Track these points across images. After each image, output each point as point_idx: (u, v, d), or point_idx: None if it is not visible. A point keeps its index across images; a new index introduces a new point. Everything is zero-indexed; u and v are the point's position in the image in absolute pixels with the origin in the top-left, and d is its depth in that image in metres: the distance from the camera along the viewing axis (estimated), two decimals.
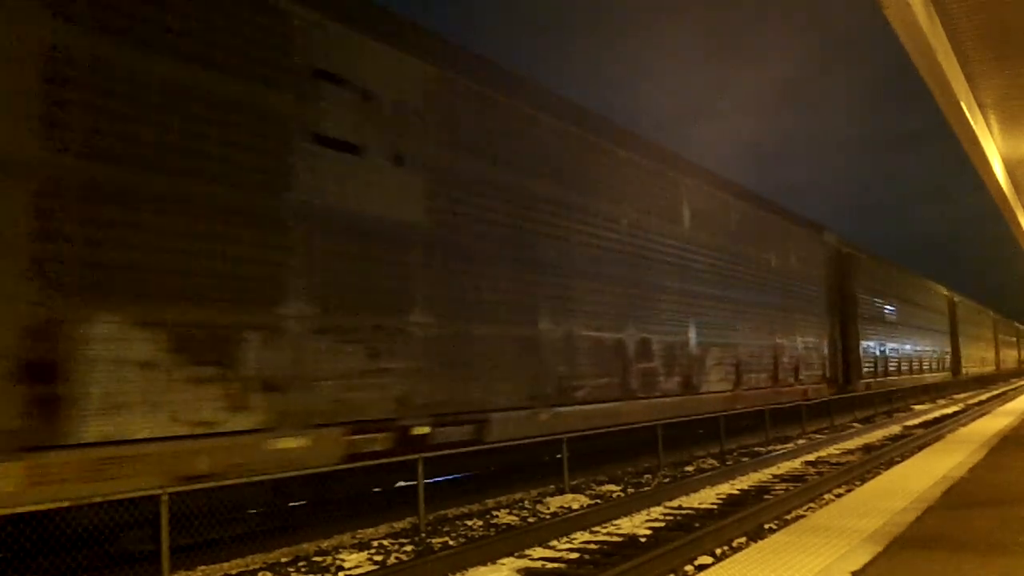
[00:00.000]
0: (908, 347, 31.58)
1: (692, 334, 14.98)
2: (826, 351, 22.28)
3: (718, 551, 7.57)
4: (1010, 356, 73.07)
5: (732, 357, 16.56)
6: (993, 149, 15.46)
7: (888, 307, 29.35)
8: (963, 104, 11.86)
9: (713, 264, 16.17)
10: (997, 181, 16.78)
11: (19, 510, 5.59)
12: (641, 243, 13.64)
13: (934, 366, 36.67)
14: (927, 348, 35.66)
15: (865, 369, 25.12)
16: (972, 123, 12.74)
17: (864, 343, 25.21)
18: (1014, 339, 79.52)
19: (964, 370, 43.51)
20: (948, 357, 40.39)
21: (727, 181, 17.98)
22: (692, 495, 11.06)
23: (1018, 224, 23.60)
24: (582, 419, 11.37)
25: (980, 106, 13.40)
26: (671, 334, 14.26)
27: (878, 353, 27.14)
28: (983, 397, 37.84)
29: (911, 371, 31.76)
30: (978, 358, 50.30)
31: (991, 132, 14.82)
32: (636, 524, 9.18)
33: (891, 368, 28.55)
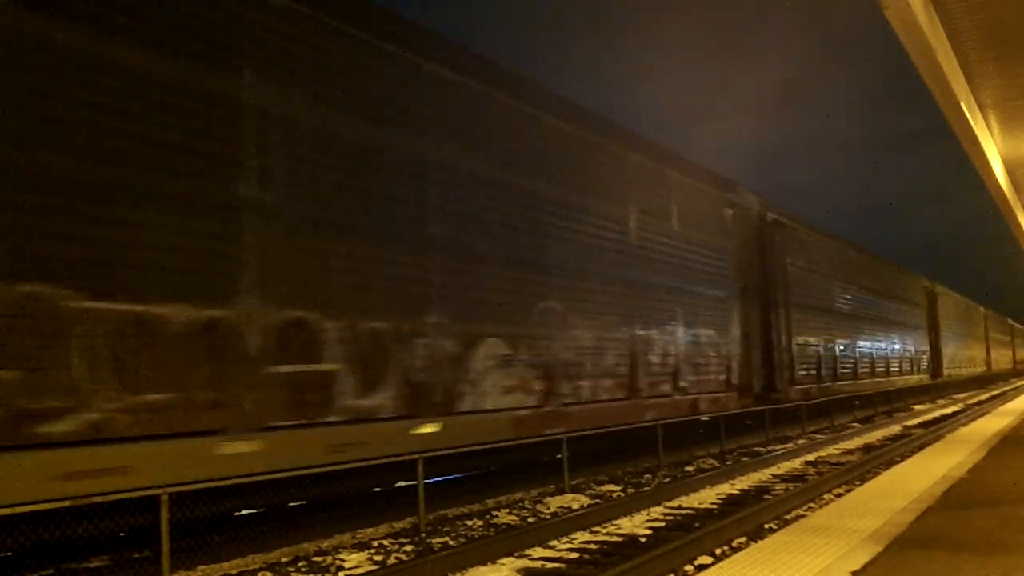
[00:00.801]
0: (869, 345, 26.68)
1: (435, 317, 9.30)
2: (735, 348, 16.26)
3: (718, 551, 7.57)
4: (1003, 356, 67.16)
5: (535, 357, 10.76)
6: (993, 149, 15.47)
7: (842, 295, 24.53)
8: (963, 104, 11.87)
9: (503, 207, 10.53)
10: (997, 181, 16.80)
11: (18, 510, 5.59)
12: None
13: (907, 367, 31.66)
14: (897, 346, 30.35)
15: (802, 372, 19.74)
16: (972, 123, 12.76)
17: (801, 339, 19.93)
18: (1008, 338, 72.97)
19: (947, 372, 38.18)
20: (926, 357, 35.26)
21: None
22: (692, 495, 11.06)
23: (1018, 224, 23.62)
24: None
25: (980, 106, 13.42)
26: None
27: (824, 351, 21.80)
28: (983, 397, 37.79)
29: (873, 374, 26.75)
30: (965, 358, 45.00)
31: (991, 132, 14.84)
32: (636, 524, 9.19)
33: (844, 370, 23.48)
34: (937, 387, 37.23)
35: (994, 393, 41.11)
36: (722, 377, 15.74)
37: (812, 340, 20.92)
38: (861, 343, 25.71)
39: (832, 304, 23.38)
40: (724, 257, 16.31)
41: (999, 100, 13.18)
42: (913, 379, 32.52)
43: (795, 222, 20.53)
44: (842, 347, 23.60)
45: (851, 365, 24.24)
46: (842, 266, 24.70)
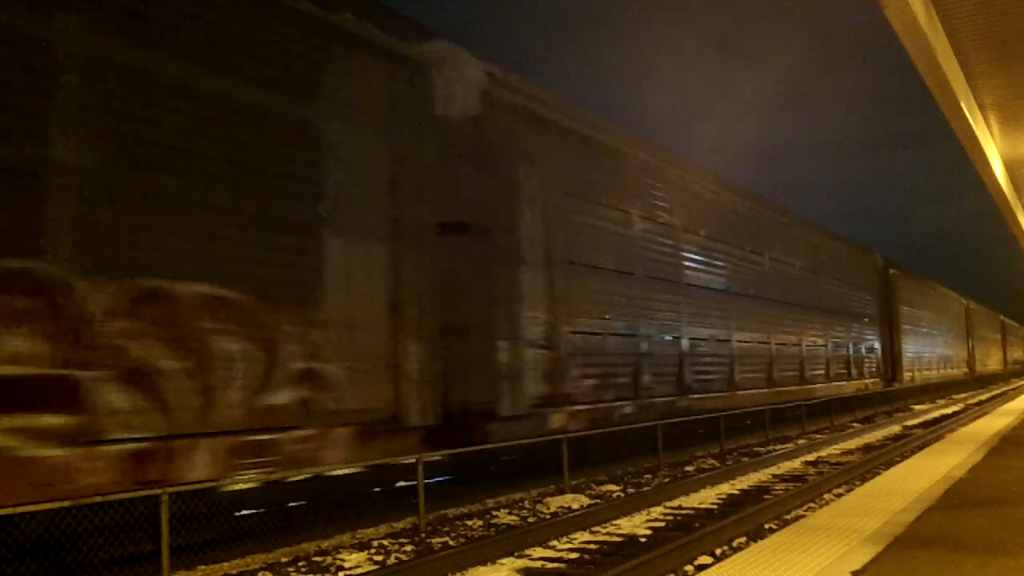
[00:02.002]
0: (754, 337, 17.74)
1: None
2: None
3: (718, 551, 7.57)
4: (991, 356, 58.83)
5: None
6: (993, 149, 15.48)
7: (703, 261, 16.00)
8: (963, 104, 11.87)
9: None
10: (997, 181, 16.80)
11: (19, 510, 5.59)
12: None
13: (845, 372, 23.94)
14: (820, 343, 22.21)
15: (655, 376, 13.73)
16: (972, 123, 12.76)
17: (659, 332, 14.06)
18: (998, 335, 64.13)
19: (909, 375, 31.07)
20: (875, 356, 27.62)
21: None
22: (692, 495, 11.06)
23: (1018, 224, 23.62)
24: None
25: (980, 106, 13.42)
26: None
27: (671, 346, 14.59)
28: (983, 397, 37.76)
29: (770, 381, 18.46)
30: (939, 359, 38.29)
31: (991, 132, 14.84)
32: (636, 524, 9.18)
33: (702, 377, 15.37)
34: (891, 396, 28.81)
35: (994, 393, 41.02)
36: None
37: (670, 334, 14.63)
38: (757, 338, 18.21)
39: (709, 281, 16.41)
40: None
41: (999, 100, 13.19)
42: (854, 385, 24.85)
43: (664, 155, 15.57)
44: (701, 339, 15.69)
45: (721, 367, 16.43)
46: (735, 224, 17.86)
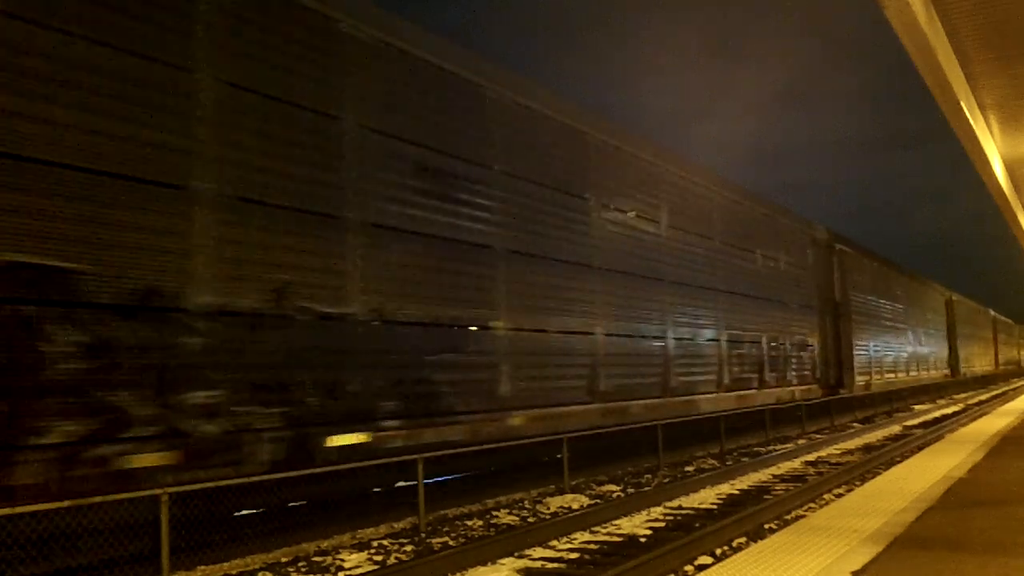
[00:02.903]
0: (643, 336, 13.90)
1: None
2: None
3: (718, 551, 7.57)
4: (982, 357, 51.56)
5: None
6: (993, 149, 15.48)
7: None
8: (963, 104, 11.88)
9: None
10: (997, 181, 16.81)
11: (19, 510, 5.59)
12: None
13: (755, 378, 17.89)
14: (709, 338, 16.17)
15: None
16: (972, 123, 12.77)
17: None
18: (989, 333, 56.67)
19: (864, 379, 24.67)
20: (814, 357, 21.51)
21: None
22: (692, 495, 11.06)
23: (1018, 224, 23.63)
24: None
25: (980, 106, 13.43)
26: None
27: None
28: (983, 397, 37.73)
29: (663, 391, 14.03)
30: (909, 359, 31.33)
31: (991, 132, 14.85)
32: (636, 524, 9.18)
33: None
34: (832, 407, 22.62)
35: (994, 393, 40.96)
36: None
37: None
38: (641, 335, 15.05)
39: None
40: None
41: (999, 100, 13.19)
42: (763, 395, 19.07)
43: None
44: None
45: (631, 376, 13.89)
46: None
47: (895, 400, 28.82)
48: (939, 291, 40.61)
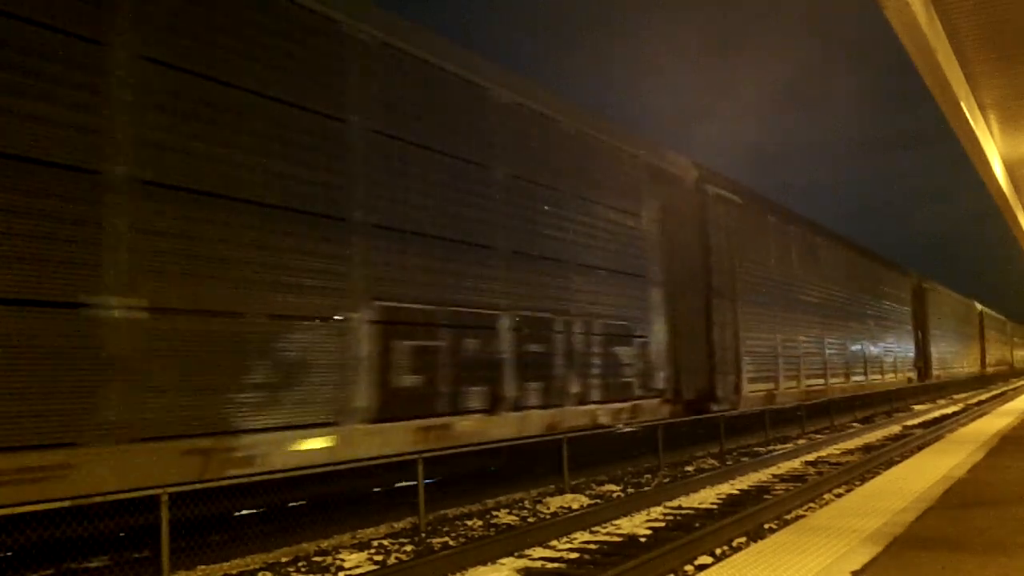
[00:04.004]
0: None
1: None
2: None
3: (718, 551, 7.57)
4: (963, 356, 42.85)
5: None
6: (993, 149, 15.48)
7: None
8: (963, 104, 11.88)
9: None
10: (997, 181, 16.80)
11: (19, 510, 5.59)
12: None
13: (490, 394, 10.24)
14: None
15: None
16: (972, 123, 12.76)
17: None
18: (974, 329, 48.04)
19: (761, 389, 17.39)
20: (640, 355, 13.76)
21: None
22: (692, 495, 11.06)
23: (1018, 224, 23.62)
24: None
25: (980, 106, 13.43)
26: None
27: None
28: (983, 397, 37.69)
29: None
30: (849, 360, 24.00)
31: (991, 132, 14.85)
32: (636, 524, 9.19)
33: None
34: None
35: (994, 393, 40.87)
36: None
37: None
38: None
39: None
40: None
41: (999, 100, 13.19)
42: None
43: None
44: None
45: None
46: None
47: (815, 416, 20.81)
48: (905, 276, 32.51)
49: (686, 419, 14.38)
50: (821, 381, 21.30)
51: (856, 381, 24.36)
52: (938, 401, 34.47)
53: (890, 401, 28.08)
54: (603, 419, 12.07)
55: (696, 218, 15.64)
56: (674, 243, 14.65)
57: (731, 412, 15.87)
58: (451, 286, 9.57)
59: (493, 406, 9.98)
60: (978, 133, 13.42)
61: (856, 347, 24.77)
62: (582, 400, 11.65)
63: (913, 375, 31.80)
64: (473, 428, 9.64)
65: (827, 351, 22.07)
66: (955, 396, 38.19)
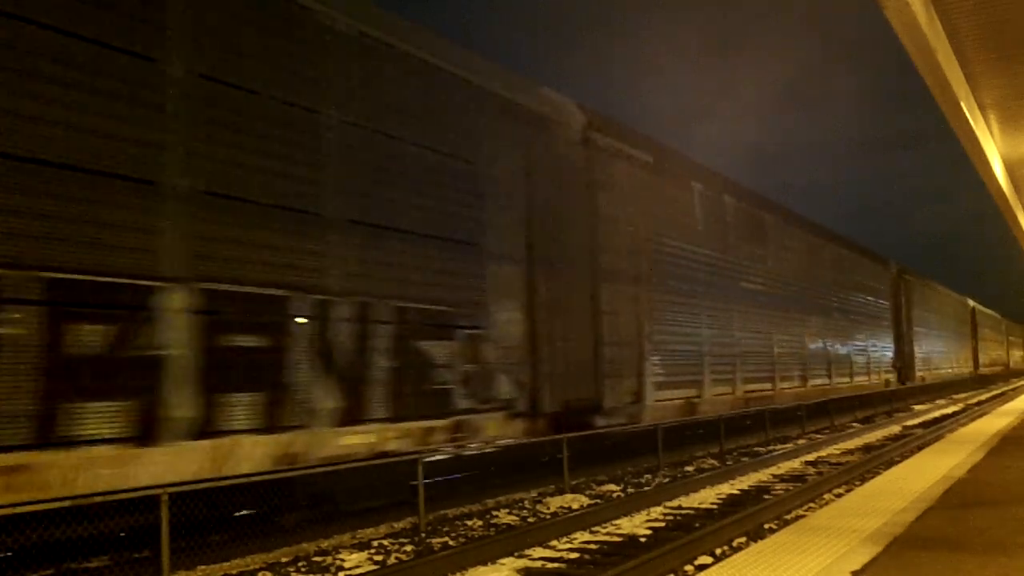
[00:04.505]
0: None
1: None
2: None
3: (718, 551, 7.57)
4: (954, 356, 40.64)
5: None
6: (993, 149, 15.48)
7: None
8: (963, 104, 11.88)
9: None
10: (997, 181, 16.80)
11: (18, 510, 5.59)
12: None
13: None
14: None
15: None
16: (972, 123, 12.77)
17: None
18: (965, 327, 44.81)
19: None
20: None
21: None
22: (692, 495, 11.06)
23: (1018, 224, 23.62)
24: None
25: (980, 106, 13.43)
26: None
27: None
28: (983, 397, 37.68)
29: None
30: (804, 359, 20.54)
31: (991, 132, 14.85)
32: (636, 524, 9.19)
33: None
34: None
35: (994, 393, 40.86)
36: None
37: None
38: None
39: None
40: None
41: (999, 100, 13.19)
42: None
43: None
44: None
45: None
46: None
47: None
48: (883, 267, 29.24)
49: (546, 439, 10.88)
50: (767, 386, 18.03)
51: (817, 384, 21.11)
52: (938, 401, 34.43)
53: (864, 407, 24.60)
54: (394, 444, 8.52)
55: (582, 178, 12.06)
56: (545, 208, 11.20)
57: (630, 427, 12.63)
58: None
59: (147, 431, 6.43)
60: (978, 133, 13.42)
61: (816, 345, 21.47)
62: (351, 418, 8.14)
63: (892, 377, 28.34)
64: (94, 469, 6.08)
65: (777, 349, 18.75)
66: (955, 396, 38.15)
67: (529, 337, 10.74)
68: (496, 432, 10.04)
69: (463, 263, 9.81)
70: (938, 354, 36.32)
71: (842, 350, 23.56)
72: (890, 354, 28.75)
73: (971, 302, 48.42)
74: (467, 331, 9.73)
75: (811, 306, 21.43)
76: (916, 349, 31.37)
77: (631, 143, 13.52)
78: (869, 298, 26.92)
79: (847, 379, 23.64)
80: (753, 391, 17.24)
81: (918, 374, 31.29)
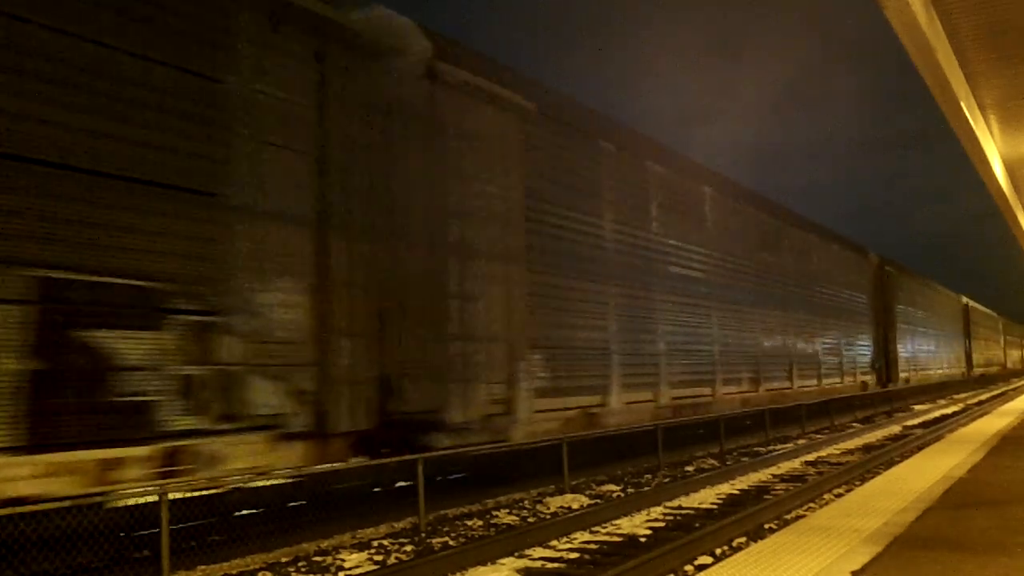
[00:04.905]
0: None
1: None
2: None
3: (718, 551, 7.57)
4: (944, 357, 37.93)
5: None
6: (993, 149, 15.48)
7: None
8: (963, 104, 11.87)
9: None
10: (997, 181, 16.80)
11: (19, 510, 5.59)
12: None
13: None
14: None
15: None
16: (972, 123, 12.76)
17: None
18: (957, 325, 42.44)
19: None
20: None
21: None
22: (692, 495, 11.06)
23: (1018, 224, 23.61)
24: None
25: (980, 106, 13.43)
26: None
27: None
28: (983, 397, 37.68)
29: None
30: (718, 372, 15.94)
31: (991, 132, 14.84)
32: (636, 524, 9.18)
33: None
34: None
35: (994, 393, 40.84)
36: None
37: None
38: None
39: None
40: None
41: (999, 100, 13.18)
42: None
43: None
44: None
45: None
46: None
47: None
48: (862, 257, 26.61)
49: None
50: (704, 390, 15.23)
51: (774, 388, 18.19)
52: (938, 401, 34.43)
53: (838, 412, 21.77)
54: (35, 486, 5.74)
55: (422, 122, 9.53)
56: (353, 155, 8.69)
57: (497, 447, 9.96)
58: None
59: None
60: (978, 133, 13.42)
61: (773, 343, 18.49)
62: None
63: (870, 379, 25.53)
64: None
65: (718, 347, 15.89)
66: (955, 396, 38.14)
67: (316, 328, 7.99)
68: (252, 462, 7.26)
69: (185, 220, 6.94)
70: (926, 353, 33.84)
71: (807, 349, 20.64)
72: (869, 353, 26.06)
73: (964, 299, 45.56)
74: (191, 317, 6.90)
75: (766, 298, 18.40)
76: (900, 348, 28.81)
77: (503, 83, 10.67)
78: (844, 291, 24.15)
79: (814, 381, 20.82)
80: (684, 397, 14.37)
81: (902, 375, 28.68)
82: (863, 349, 25.59)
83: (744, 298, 17.32)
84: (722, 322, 16.18)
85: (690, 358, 14.89)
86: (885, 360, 26.98)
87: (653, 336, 13.74)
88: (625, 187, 13.34)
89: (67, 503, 5.80)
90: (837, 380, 22.64)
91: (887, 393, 26.98)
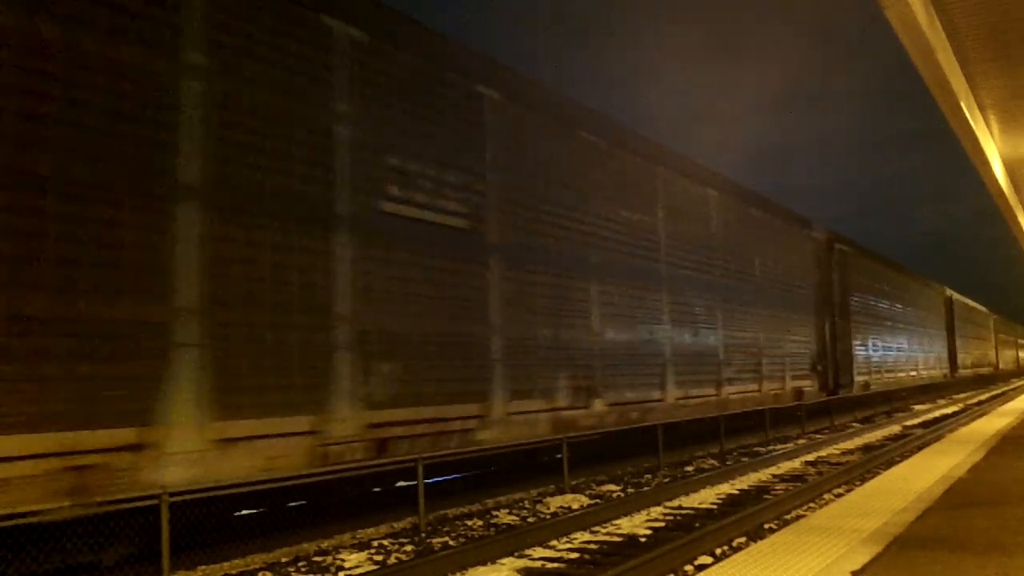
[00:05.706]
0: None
1: None
2: None
3: (718, 551, 7.57)
4: (923, 358, 33.36)
5: None
6: (993, 149, 15.49)
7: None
8: (963, 104, 11.89)
9: None
10: (997, 181, 16.82)
11: (18, 510, 5.59)
12: None
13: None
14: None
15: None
16: (972, 123, 12.78)
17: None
18: (940, 321, 37.82)
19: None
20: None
21: None
22: (692, 495, 11.06)
23: (1018, 224, 23.64)
24: None
25: (980, 106, 13.45)
26: None
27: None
28: (983, 397, 37.69)
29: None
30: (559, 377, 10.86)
31: (991, 132, 14.86)
32: (636, 524, 9.19)
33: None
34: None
35: (994, 393, 40.86)
36: None
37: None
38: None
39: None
40: None
41: (999, 100, 13.21)
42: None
43: None
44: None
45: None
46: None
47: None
48: (805, 232, 21.19)
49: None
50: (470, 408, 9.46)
51: (630, 401, 12.61)
52: (938, 401, 34.44)
53: (743, 432, 16.88)
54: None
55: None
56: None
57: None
58: None
59: None
60: (978, 133, 13.44)
61: (642, 336, 13.18)
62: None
63: (809, 385, 20.06)
64: None
65: (546, 344, 10.82)
66: (955, 396, 38.14)
67: None
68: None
69: None
70: (895, 352, 28.63)
71: (698, 345, 15.04)
72: (809, 352, 20.44)
73: (947, 291, 39.76)
74: None
75: (631, 273, 12.94)
76: (857, 345, 23.61)
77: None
78: (769, 271, 18.44)
79: (711, 390, 15.36)
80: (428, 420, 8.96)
81: (859, 379, 23.34)
82: (800, 346, 19.87)
83: (575, 272, 11.49)
84: (545, 308, 10.75)
85: (540, 357, 10.67)
86: (834, 360, 21.61)
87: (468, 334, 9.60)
88: (462, 131, 9.67)
89: (67, 503, 5.80)
90: (753, 386, 17.06)
91: (833, 402, 21.55)
